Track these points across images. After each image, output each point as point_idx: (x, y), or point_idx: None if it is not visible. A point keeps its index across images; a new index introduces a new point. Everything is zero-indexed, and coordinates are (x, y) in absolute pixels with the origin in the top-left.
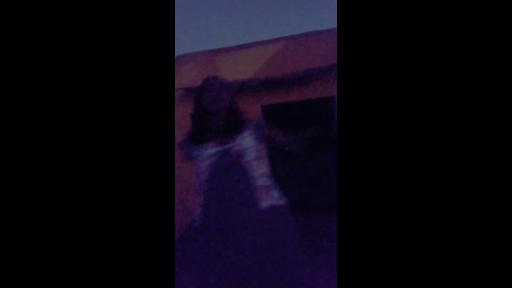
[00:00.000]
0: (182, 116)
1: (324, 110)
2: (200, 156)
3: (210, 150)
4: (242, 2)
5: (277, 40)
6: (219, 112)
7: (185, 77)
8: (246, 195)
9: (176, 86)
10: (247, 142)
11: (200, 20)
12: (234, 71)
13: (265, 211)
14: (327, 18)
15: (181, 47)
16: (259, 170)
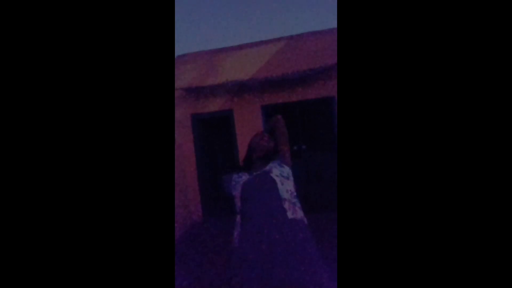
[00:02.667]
0: (182, 116)
1: (324, 110)
2: (237, 184)
3: (244, 177)
4: (242, 2)
5: (277, 40)
6: (261, 156)
7: (185, 77)
8: (275, 204)
9: (176, 86)
10: (274, 165)
11: (200, 20)
12: (234, 71)
13: (289, 222)
14: (327, 18)
15: (181, 47)
16: (286, 186)
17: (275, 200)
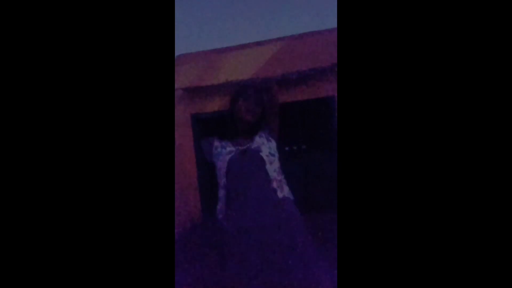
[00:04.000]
0: (182, 116)
1: (324, 110)
2: (220, 155)
3: (229, 148)
4: (242, 2)
5: (277, 40)
6: (248, 121)
7: (185, 77)
8: (263, 185)
9: (176, 86)
10: (261, 141)
11: (200, 20)
12: (234, 71)
13: (279, 202)
14: (327, 18)
15: (181, 47)
16: (274, 165)
17: (264, 181)
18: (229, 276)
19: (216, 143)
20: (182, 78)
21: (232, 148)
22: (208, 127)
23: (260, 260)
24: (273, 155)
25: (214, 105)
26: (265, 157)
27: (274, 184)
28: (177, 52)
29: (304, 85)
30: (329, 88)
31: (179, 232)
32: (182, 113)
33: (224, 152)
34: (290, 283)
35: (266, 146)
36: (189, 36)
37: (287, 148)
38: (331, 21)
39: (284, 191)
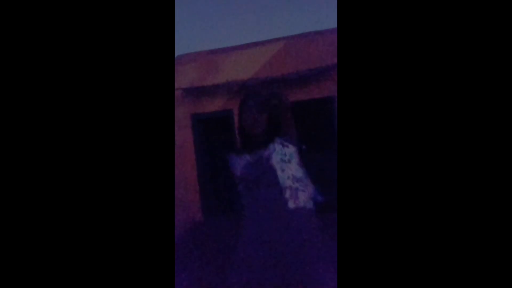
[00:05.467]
0: (182, 116)
1: (324, 110)
2: (237, 164)
3: (245, 158)
4: (242, 2)
5: (277, 40)
6: (257, 134)
7: (185, 77)
8: (273, 194)
9: (176, 86)
10: (275, 147)
11: (200, 20)
12: (234, 71)
13: (291, 213)
14: (327, 18)
15: (181, 47)
16: (287, 172)
17: (274, 193)
18: (229, 277)
19: (233, 156)
20: (182, 78)
21: (247, 158)
22: (208, 127)
23: (261, 260)
24: (286, 161)
25: (214, 105)
26: (276, 164)
27: (287, 194)
28: (177, 52)
29: (304, 85)
30: (329, 88)
31: (179, 233)
32: (182, 113)
33: (240, 163)
34: (291, 283)
35: (279, 153)
36: (189, 36)
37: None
38: (331, 21)
39: (299, 201)
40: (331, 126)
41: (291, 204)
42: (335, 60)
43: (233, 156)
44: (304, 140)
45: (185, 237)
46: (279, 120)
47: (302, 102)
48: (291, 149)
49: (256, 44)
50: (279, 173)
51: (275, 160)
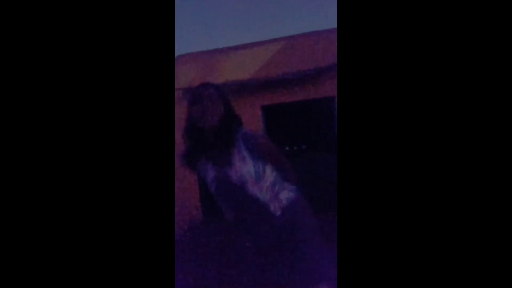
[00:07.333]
0: (182, 116)
1: (324, 110)
2: (202, 172)
3: (210, 172)
4: (242, 2)
5: (277, 40)
6: (208, 129)
7: (185, 77)
8: (260, 211)
9: (176, 86)
10: (242, 164)
11: (200, 20)
12: (234, 71)
13: (281, 214)
14: (327, 18)
15: (181, 47)
16: (261, 184)
17: (249, 208)
18: (229, 277)
19: (199, 164)
20: (182, 78)
21: (211, 167)
22: None
23: (261, 260)
24: (258, 175)
25: None
26: (241, 179)
27: (271, 208)
28: (177, 52)
29: (304, 85)
30: (329, 88)
31: (179, 233)
32: (182, 113)
33: (206, 173)
34: (290, 283)
35: (246, 165)
36: (189, 36)
37: (287, 148)
38: (331, 21)
39: (280, 203)
40: (331, 126)
41: (272, 209)
42: (335, 60)
43: (202, 167)
44: (304, 140)
45: (185, 237)
46: (234, 110)
47: (302, 102)
48: (259, 165)
49: (256, 44)
50: (249, 188)
51: (241, 172)
